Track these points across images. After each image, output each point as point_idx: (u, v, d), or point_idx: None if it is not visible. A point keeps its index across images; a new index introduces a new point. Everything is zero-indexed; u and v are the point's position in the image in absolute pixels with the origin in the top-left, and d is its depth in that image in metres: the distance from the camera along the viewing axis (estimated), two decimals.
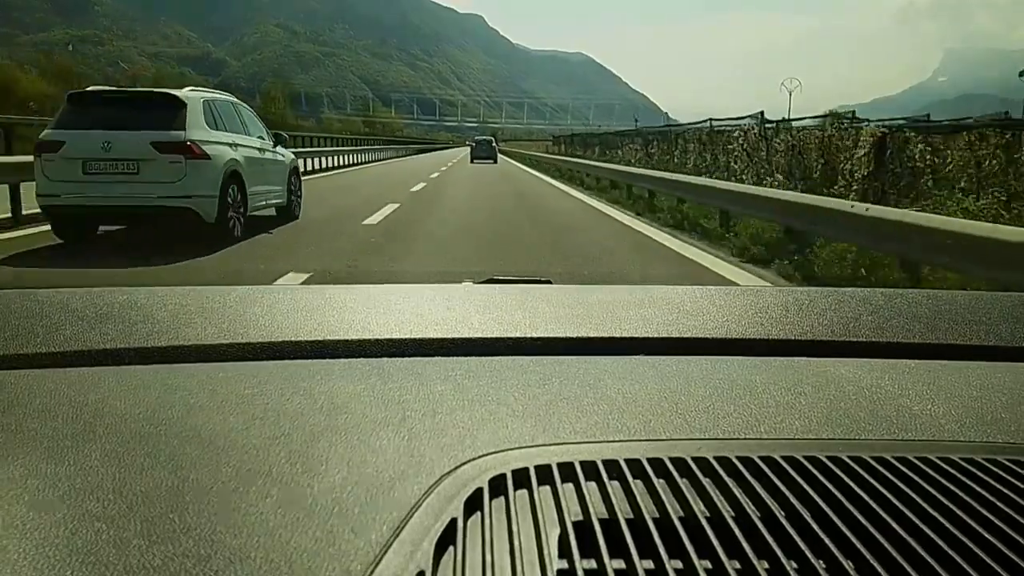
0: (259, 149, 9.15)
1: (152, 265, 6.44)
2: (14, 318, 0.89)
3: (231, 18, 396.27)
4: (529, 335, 0.87)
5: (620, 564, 0.43)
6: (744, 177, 14.67)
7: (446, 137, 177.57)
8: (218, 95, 8.92)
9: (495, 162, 40.95)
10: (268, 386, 0.71)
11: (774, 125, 15.45)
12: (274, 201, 9.57)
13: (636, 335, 0.88)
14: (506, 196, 16.68)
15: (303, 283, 5.57)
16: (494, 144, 47.04)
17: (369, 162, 36.76)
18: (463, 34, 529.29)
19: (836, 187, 12.31)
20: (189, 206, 7.43)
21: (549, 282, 1.18)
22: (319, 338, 0.84)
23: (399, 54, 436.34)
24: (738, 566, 0.43)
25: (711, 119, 19.40)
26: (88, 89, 8.29)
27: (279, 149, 10.07)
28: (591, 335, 0.88)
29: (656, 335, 0.88)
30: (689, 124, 22.36)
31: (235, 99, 9.42)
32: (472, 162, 40.24)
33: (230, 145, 8.21)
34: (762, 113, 15.51)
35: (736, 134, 16.50)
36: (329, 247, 7.90)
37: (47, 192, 7.42)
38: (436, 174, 25.27)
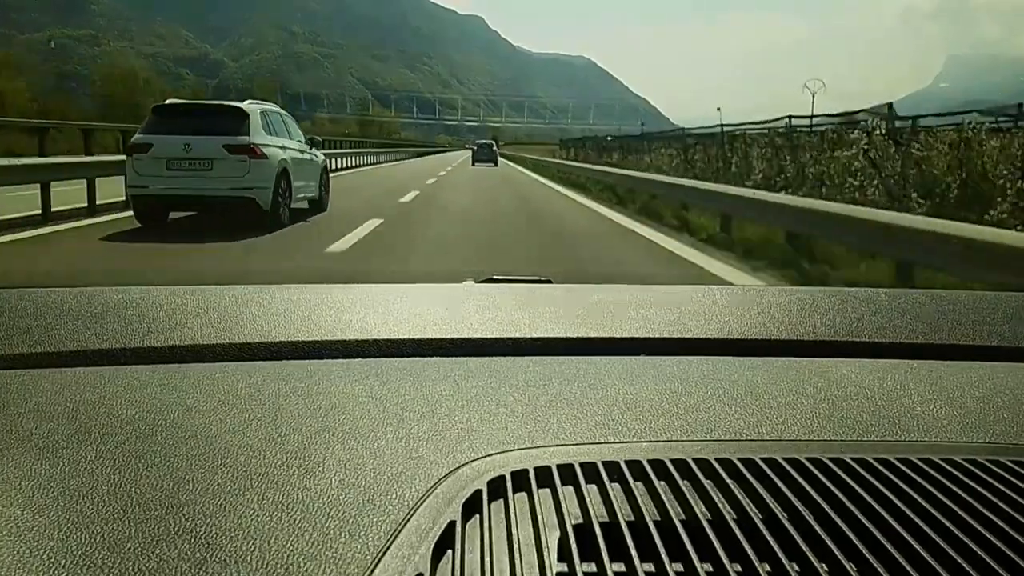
0: (299, 151, 10.75)
1: (224, 241, 8.06)
2: (9, 317, 0.88)
3: (229, 19, 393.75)
4: (529, 335, 0.86)
5: (621, 567, 0.43)
6: (873, 197, 10.50)
7: (444, 140, 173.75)
8: (269, 107, 10.68)
9: (495, 165, 42.80)
10: (265, 387, 0.70)
11: (910, 123, 11.12)
12: (309, 194, 11.14)
13: (637, 335, 0.87)
14: None
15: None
16: (494, 148, 49.15)
17: (349, 168, 30.77)
18: (464, 36, 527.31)
19: (995, 212, 8.35)
20: (252, 196, 9.02)
21: (549, 282, 1.17)
22: (317, 338, 0.83)
23: (398, 56, 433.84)
24: (740, 568, 0.43)
25: (790, 115, 15.10)
26: (168, 102, 10.07)
27: (314, 151, 11.71)
28: (591, 335, 0.87)
29: (657, 335, 0.88)
30: (753, 124, 17.91)
31: (280, 109, 11.23)
32: (473, 165, 41.40)
33: (280, 148, 9.92)
34: (890, 106, 11.40)
35: (855, 135, 11.68)
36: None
37: (136, 184, 9.01)
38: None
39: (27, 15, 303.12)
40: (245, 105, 9.73)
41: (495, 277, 1.19)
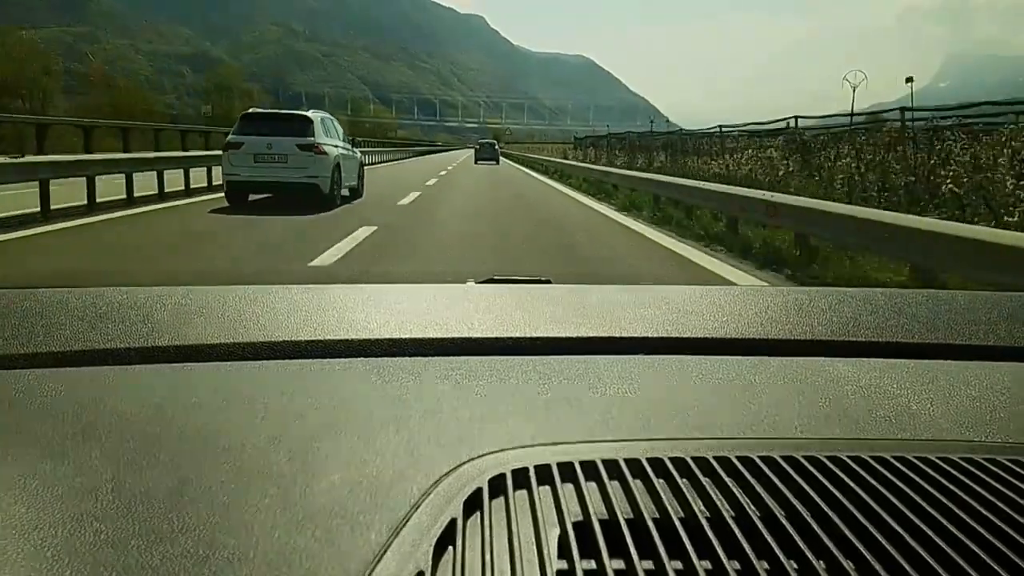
0: (345, 149, 13.88)
1: (298, 215, 11.16)
2: (14, 317, 0.89)
3: (230, 17, 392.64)
4: (529, 335, 0.87)
5: (620, 564, 0.43)
6: None
7: (444, 139, 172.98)
8: (325, 115, 13.85)
9: (497, 163, 44.98)
10: (268, 386, 0.71)
11: None
12: (351, 183, 14.19)
13: (636, 335, 0.88)
14: None
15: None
16: (496, 147, 52.43)
17: None
18: (464, 35, 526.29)
19: None
20: (316, 183, 12.19)
21: (549, 282, 1.18)
22: (319, 338, 0.84)
23: (399, 54, 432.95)
24: (738, 566, 0.43)
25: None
26: (252, 111, 13.68)
27: (354, 149, 15.04)
28: (591, 335, 0.88)
29: (656, 335, 0.88)
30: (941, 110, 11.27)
31: (331, 116, 14.36)
32: (476, 163, 43.72)
33: (334, 146, 13.14)
34: None
35: None
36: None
37: (231, 172, 12.26)
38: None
39: (27, 12, 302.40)
40: (311, 114, 13.16)
41: (495, 277, 1.21)
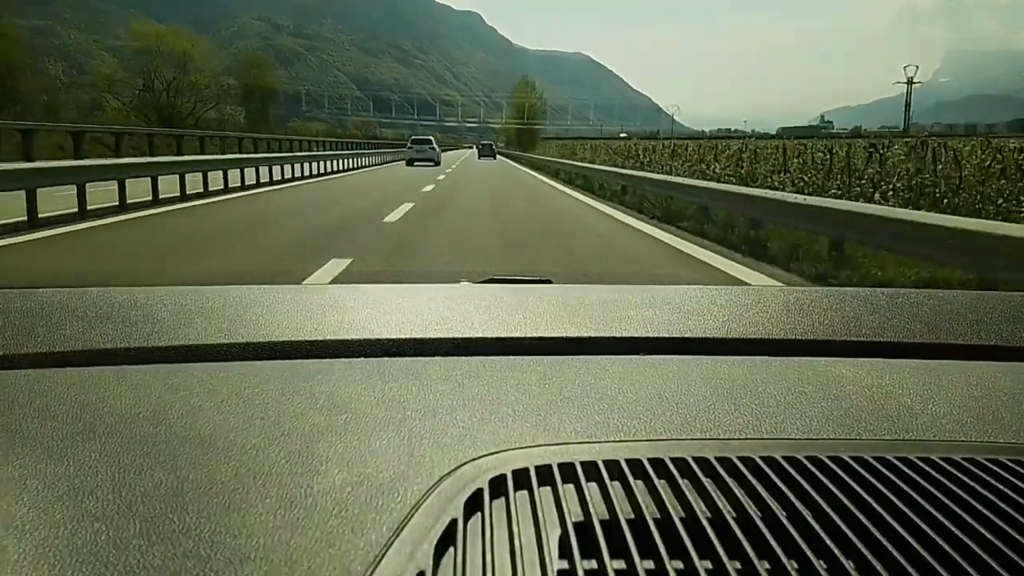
0: (437, 145, 52.55)
1: (423, 167, 38.49)
2: (14, 317, 0.89)
3: (214, 9, 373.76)
4: (529, 335, 0.87)
5: (621, 564, 0.43)
6: None
7: (438, 137, 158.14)
8: (432, 137, 54.93)
9: (495, 158, 59.17)
10: (268, 386, 0.71)
11: None
12: (438, 160, 48.56)
13: (636, 335, 0.88)
14: None
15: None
16: (493, 147, 70.65)
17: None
18: (459, 32, 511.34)
19: None
20: (435, 159, 47.84)
21: (549, 281, 1.19)
22: (319, 338, 0.84)
23: (391, 50, 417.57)
24: (739, 566, 0.43)
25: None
26: (413, 136, 54.58)
27: (439, 147, 51.14)
28: (591, 335, 0.88)
29: (656, 335, 0.88)
30: None
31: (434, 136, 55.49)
32: (480, 158, 58.73)
33: (437, 145, 52.35)
34: None
35: None
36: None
37: (408, 155, 48.02)
38: None
39: None
40: (430, 137, 51.67)
41: (495, 277, 1.22)
